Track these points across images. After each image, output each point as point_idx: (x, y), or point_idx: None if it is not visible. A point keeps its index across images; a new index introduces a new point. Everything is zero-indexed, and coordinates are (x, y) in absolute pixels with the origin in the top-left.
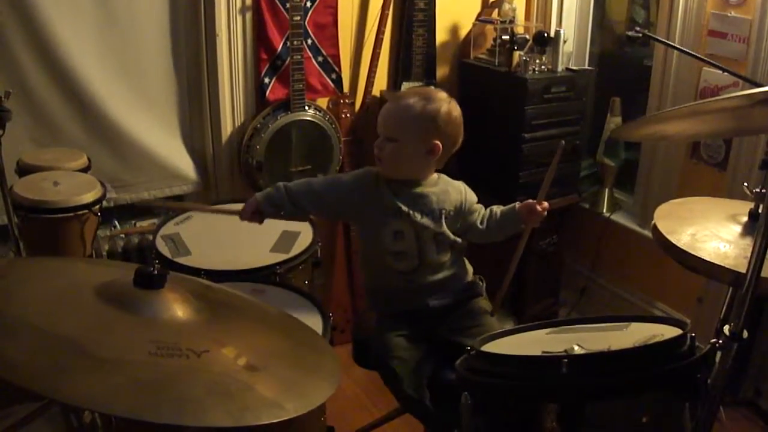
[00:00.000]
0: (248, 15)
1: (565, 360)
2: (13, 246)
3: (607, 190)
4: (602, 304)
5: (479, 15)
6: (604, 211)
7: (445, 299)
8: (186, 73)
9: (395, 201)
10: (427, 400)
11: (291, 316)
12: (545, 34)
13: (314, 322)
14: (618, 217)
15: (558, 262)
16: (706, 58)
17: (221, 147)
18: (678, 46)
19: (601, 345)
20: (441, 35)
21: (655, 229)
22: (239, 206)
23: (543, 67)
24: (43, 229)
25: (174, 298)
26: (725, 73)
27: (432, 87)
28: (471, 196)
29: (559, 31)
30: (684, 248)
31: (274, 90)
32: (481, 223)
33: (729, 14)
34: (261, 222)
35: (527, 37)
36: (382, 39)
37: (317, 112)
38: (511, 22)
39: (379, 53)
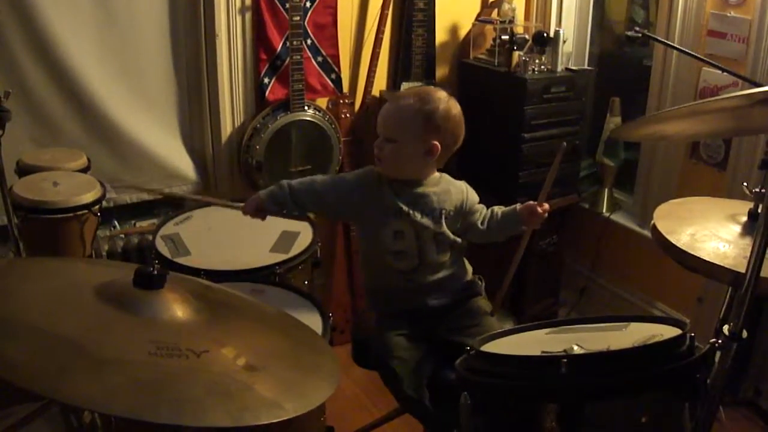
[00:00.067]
0: (248, 15)
1: (565, 360)
2: (13, 246)
3: (606, 190)
4: (602, 304)
5: (479, 15)
6: (604, 211)
7: (445, 299)
8: (185, 73)
9: (396, 201)
10: (427, 400)
11: (290, 316)
12: (545, 34)
13: (314, 322)
14: (618, 217)
15: (558, 262)
16: (705, 58)
17: (221, 147)
18: (677, 46)
19: (600, 345)
20: (440, 35)
21: (654, 229)
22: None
23: (542, 67)
24: (43, 230)
25: (174, 298)
26: (725, 73)
27: (431, 86)
28: (472, 196)
29: (559, 31)
30: (683, 248)
31: (273, 90)
32: (482, 223)
33: (728, 14)
34: (263, 218)
35: (527, 37)
36: (381, 39)
37: (317, 112)
38: (511, 22)
39: (378, 53)
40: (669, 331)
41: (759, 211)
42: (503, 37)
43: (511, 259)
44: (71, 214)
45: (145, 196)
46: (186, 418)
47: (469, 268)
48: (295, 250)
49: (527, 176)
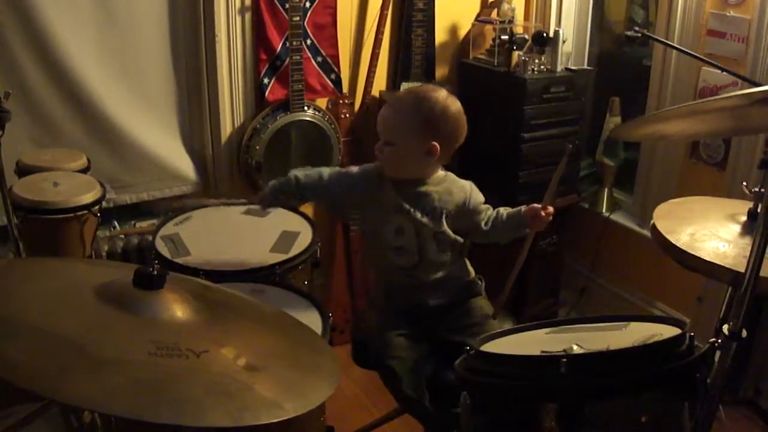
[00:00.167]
0: (247, 15)
1: (564, 360)
2: (13, 246)
3: (606, 189)
4: (602, 304)
5: (478, 15)
6: (604, 210)
7: (445, 298)
8: (185, 73)
9: (397, 198)
10: (426, 401)
11: (290, 316)
12: (544, 34)
13: (313, 322)
14: (617, 217)
15: (558, 262)
16: (705, 58)
17: (221, 147)
18: (677, 46)
19: (600, 345)
20: (440, 35)
21: (654, 229)
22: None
23: (542, 67)
24: (43, 230)
25: (173, 298)
26: (724, 73)
27: (430, 85)
28: (476, 197)
29: (558, 31)
30: (683, 248)
31: (273, 90)
32: (486, 224)
33: (728, 14)
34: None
35: (526, 37)
36: (381, 39)
37: (316, 113)
38: (510, 22)
39: (378, 53)
40: (669, 331)
41: (758, 210)
42: (503, 37)
43: (513, 261)
44: (71, 215)
45: (145, 197)
46: (186, 418)
47: (471, 269)
48: (295, 250)
49: (527, 176)
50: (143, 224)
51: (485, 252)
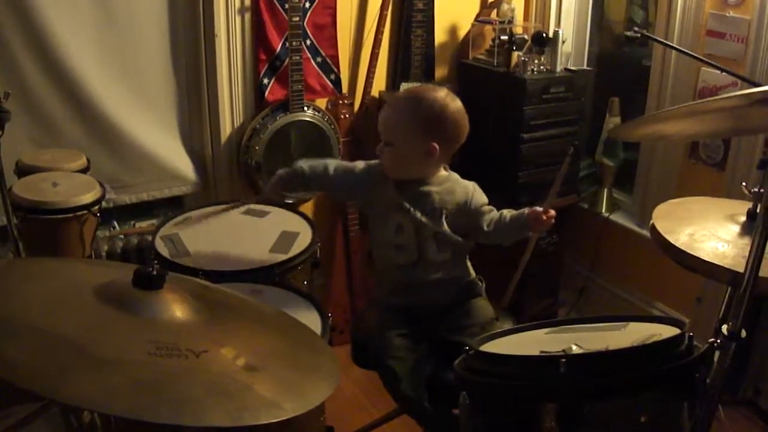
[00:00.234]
0: (247, 16)
1: (564, 360)
2: (13, 247)
3: (606, 190)
4: (601, 304)
5: (478, 15)
6: (603, 211)
7: (444, 298)
8: (185, 73)
9: (398, 197)
10: (426, 401)
11: (290, 316)
12: (544, 35)
13: (313, 322)
14: (617, 217)
15: (557, 262)
16: (704, 58)
17: (220, 148)
18: (676, 46)
19: (599, 345)
20: (440, 36)
21: (653, 229)
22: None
23: (542, 67)
24: (43, 230)
25: (173, 298)
26: (724, 73)
27: (429, 85)
28: (479, 198)
29: (558, 31)
30: (682, 248)
31: (273, 91)
32: (488, 225)
33: (727, 14)
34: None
35: (526, 37)
36: (380, 39)
37: (316, 113)
38: (510, 22)
39: (377, 54)
40: (668, 331)
41: (758, 210)
42: (502, 37)
43: (515, 262)
44: (71, 215)
45: (144, 197)
46: (186, 418)
47: (472, 270)
48: (295, 250)
49: (526, 176)
50: (143, 224)
51: (487, 253)
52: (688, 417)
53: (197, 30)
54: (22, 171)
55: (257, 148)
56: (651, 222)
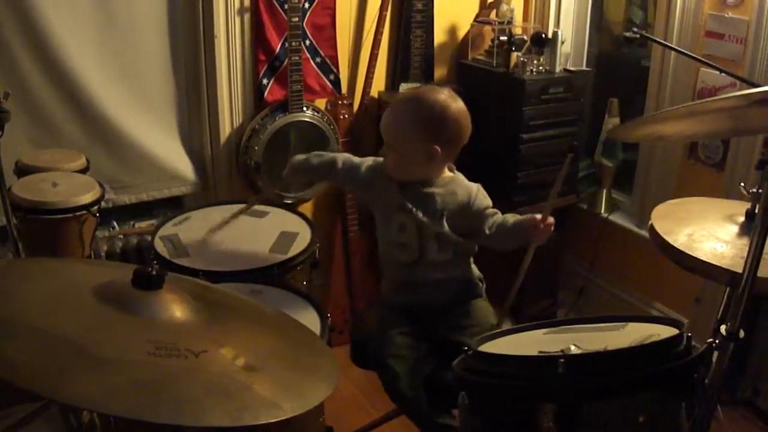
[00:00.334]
0: (246, 16)
1: (562, 360)
2: (12, 247)
3: (605, 190)
4: (600, 305)
5: (477, 16)
6: (602, 211)
7: (445, 298)
8: (184, 74)
9: (401, 198)
10: (424, 402)
11: (289, 316)
12: (543, 35)
13: (312, 322)
14: (616, 218)
15: (556, 263)
16: (703, 59)
17: (220, 148)
18: (675, 47)
19: (597, 345)
20: (439, 36)
21: (652, 230)
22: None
23: (541, 68)
24: (42, 230)
25: (172, 298)
26: (722, 74)
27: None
28: (482, 201)
29: (557, 32)
30: (681, 248)
31: (272, 91)
32: (490, 228)
33: (726, 15)
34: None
35: (525, 38)
36: (380, 40)
37: (315, 113)
38: (509, 23)
39: (377, 54)
40: (666, 331)
41: (756, 211)
42: (501, 38)
43: (519, 264)
44: (70, 215)
45: (144, 197)
46: (186, 418)
47: (475, 271)
48: (294, 250)
49: (526, 177)
50: (142, 224)
51: (491, 254)
52: (686, 417)
53: (197, 30)
54: (22, 171)
55: (256, 148)
56: (650, 222)
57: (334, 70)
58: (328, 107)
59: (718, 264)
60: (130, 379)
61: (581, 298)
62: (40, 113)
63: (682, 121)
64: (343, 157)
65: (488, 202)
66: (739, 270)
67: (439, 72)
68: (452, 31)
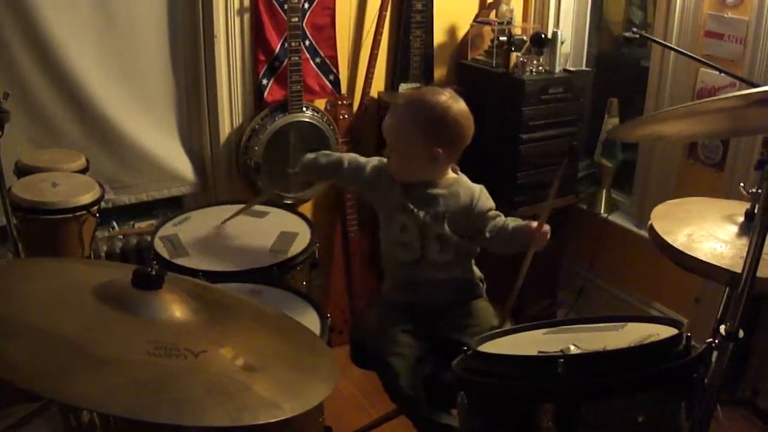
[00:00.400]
0: (246, 16)
1: (561, 360)
2: (12, 247)
3: (604, 190)
4: (600, 305)
5: (477, 16)
6: (602, 211)
7: (445, 298)
8: (184, 74)
9: (403, 199)
10: (423, 401)
11: (289, 317)
12: (542, 35)
13: (312, 322)
14: (615, 218)
15: (556, 263)
16: (702, 59)
17: (219, 148)
18: (675, 47)
19: (597, 345)
20: (438, 36)
21: (651, 230)
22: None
23: (540, 68)
24: (42, 230)
25: (172, 298)
26: (722, 74)
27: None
28: (484, 203)
29: (557, 32)
30: (681, 248)
31: (272, 91)
32: (490, 231)
33: (726, 15)
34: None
35: (524, 38)
36: (379, 40)
37: (315, 114)
38: (509, 23)
39: (376, 54)
40: (666, 331)
41: (755, 211)
42: (501, 38)
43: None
44: (70, 215)
45: (144, 197)
46: (185, 417)
47: (476, 272)
48: (294, 251)
49: (525, 177)
50: (142, 225)
51: (492, 255)
52: (686, 417)
53: (196, 31)
54: (22, 171)
55: (256, 148)
56: (649, 222)
57: (334, 70)
58: (328, 107)
59: (718, 264)
60: (130, 379)
61: (581, 298)
62: (39, 113)
63: (681, 121)
64: (349, 156)
65: (491, 204)
66: (739, 270)
67: (439, 72)
68: (452, 31)
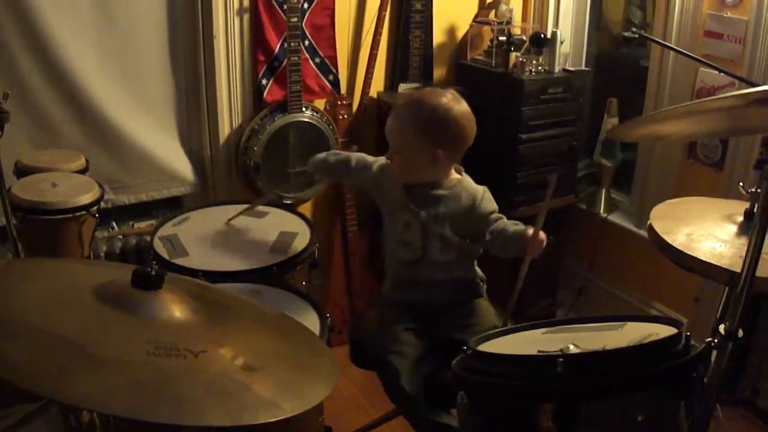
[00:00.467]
0: (245, 17)
1: (561, 359)
2: (12, 247)
3: (604, 190)
4: (599, 305)
5: (476, 16)
6: (601, 211)
7: (445, 297)
8: (184, 74)
9: (406, 199)
10: (422, 401)
11: (288, 316)
12: (542, 35)
13: (311, 322)
14: (615, 218)
15: (555, 263)
16: (702, 59)
17: (219, 148)
18: (674, 47)
19: (596, 344)
20: (438, 36)
21: (651, 229)
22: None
23: (540, 68)
24: (42, 230)
25: (172, 298)
26: (721, 74)
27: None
28: (486, 205)
29: (556, 32)
30: (680, 248)
31: (271, 91)
32: (491, 233)
33: (725, 15)
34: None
35: (524, 38)
36: (379, 40)
37: (314, 114)
38: (508, 23)
39: (376, 54)
40: (665, 331)
41: (755, 210)
42: (500, 38)
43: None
44: (70, 215)
45: (143, 197)
46: (185, 417)
47: (478, 272)
48: (293, 251)
49: (525, 177)
50: (141, 225)
51: (492, 256)
52: (685, 416)
53: (196, 31)
54: (21, 171)
55: (256, 148)
56: (649, 222)
57: (333, 70)
58: (328, 107)
59: (717, 263)
60: (129, 379)
61: (580, 297)
62: (39, 114)
63: (680, 120)
64: (356, 156)
65: (493, 206)
66: (738, 269)
67: (438, 72)
68: (451, 31)
